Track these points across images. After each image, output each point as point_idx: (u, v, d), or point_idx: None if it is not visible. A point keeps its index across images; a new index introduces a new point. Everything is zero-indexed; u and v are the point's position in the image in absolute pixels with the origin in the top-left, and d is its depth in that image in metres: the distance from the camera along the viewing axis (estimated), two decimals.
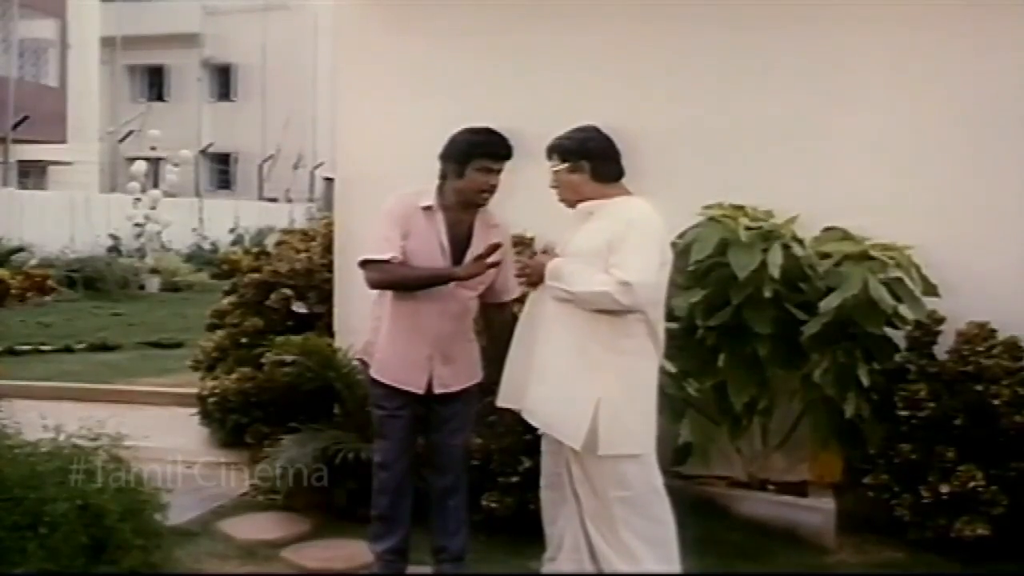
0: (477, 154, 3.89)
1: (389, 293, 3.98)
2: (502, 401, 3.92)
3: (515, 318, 4.01)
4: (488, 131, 3.94)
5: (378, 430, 4.11)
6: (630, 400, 3.66)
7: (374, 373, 4.03)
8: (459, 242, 3.94)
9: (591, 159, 3.78)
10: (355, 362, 4.74)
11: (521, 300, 4.03)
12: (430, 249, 3.91)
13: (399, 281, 3.92)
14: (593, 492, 3.69)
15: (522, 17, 5.70)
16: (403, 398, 3.98)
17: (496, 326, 4.12)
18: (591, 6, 5.64)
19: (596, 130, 3.84)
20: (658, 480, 3.73)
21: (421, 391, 3.96)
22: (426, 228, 3.92)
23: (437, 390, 3.97)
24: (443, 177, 3.97)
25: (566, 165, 3.80)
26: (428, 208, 3.94)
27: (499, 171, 3.92)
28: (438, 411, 4.03)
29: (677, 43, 5.52)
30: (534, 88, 5.62)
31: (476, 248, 3.92)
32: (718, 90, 5.45)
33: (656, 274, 3.64)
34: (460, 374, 4.02)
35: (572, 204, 3.85)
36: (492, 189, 3.92)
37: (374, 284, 3.95)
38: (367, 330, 4.11)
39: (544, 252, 3.90)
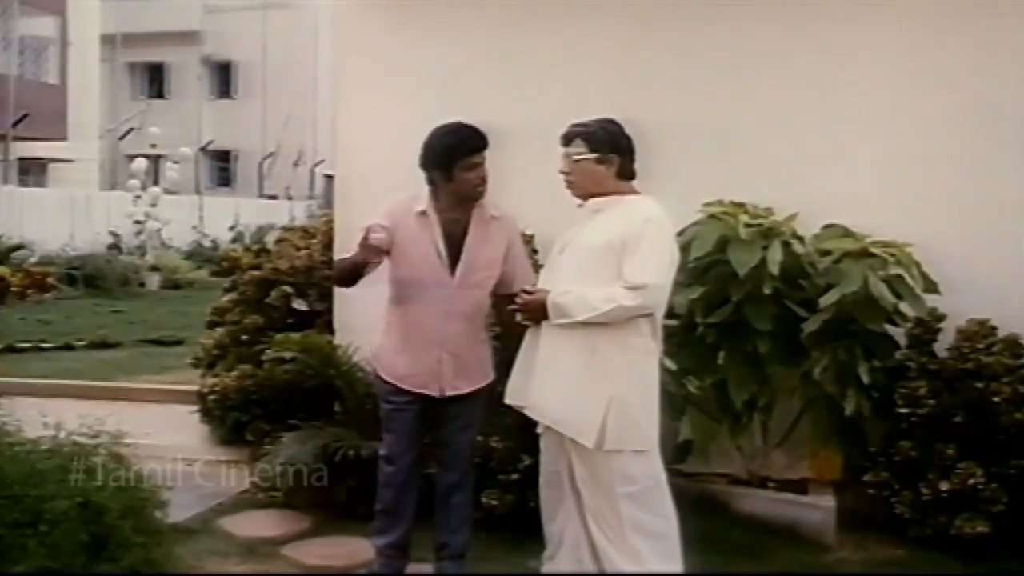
0: (459, 154, 3.89)
1: (394, 297, 4.00)
2: (510, 398, 3.91)
3: None
4: (458, 128, 3.94)
5: (385, 424, 4.12)
6: (639, 397, 3.67)
7: (384, 375, 4.05)
8: (456, 241, 3.94)
9: (621, 154, 3.76)
10: (355, 359, 4.74)
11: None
12: (425, 252, 3.93)
13: (337, 274, 4.17)
14: (598, 489, 3.69)
15: (522, 14, 5.69)
16: (412, 393, 3.99)
17: (507, 318, 4.07)
18: (591, 2, 5.64)
19: (621, 125, 3.81)
20: (662, 475, 3.75)
21: (435, 394, 3.97)
22: (419, 232, 3.93)
23: (448, 392, 3.97)
24: (432, 183, 3.97)
25: (594, 155, 3.74)
26: (423, 213, 3.95)
27: (484, 161, 3.92)
28: (447, 408, 4.04)
29: (678, 40, 5.51)
30: (534, 85, 5.62)
31: (472, 243, 3.93)
32: (718, 87, 5.44)
33: (667, 275, 3.65)
34: (471, 375, 4.01)
35: (583, 195, 3.82)
36: (484, 180, 3.93)
37: (333, 282, 4.17)
38: (379, 333, 4.12)
39: (528, 292, 3.82)
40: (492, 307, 4.10)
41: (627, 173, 3.79)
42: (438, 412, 4.05)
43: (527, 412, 3.86)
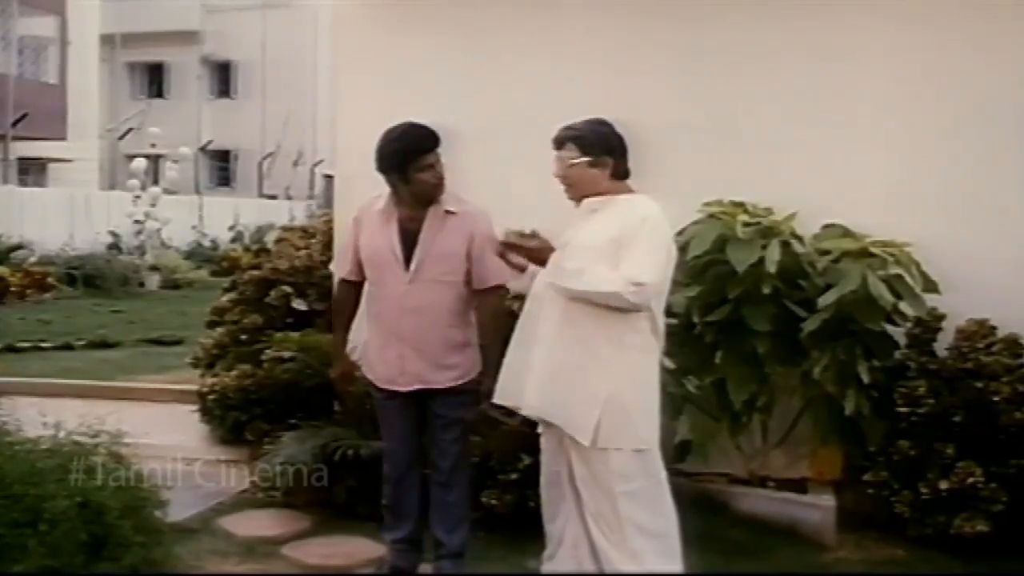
0: (411, 158, 3.93)
1: (366, 293, 4.14)
2: (499, 398, 3.89)
3: (510, 311, 4.02)
4: (407, 131, 3.98)
5: (378, 420, 4.24)
6: (637, 396, 3.67)
7: (364, 371, 4.16)
8: (412, 238, 3.98)
9: (614, 156, 3.74)
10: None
11: (519, 297, 4.02)
12: (382, 250, 4.01)
13: (334, 312, 4.40)
14: (597, 488, 3.68)
15: (521, 14, 5.70)
16: (388, 389, 4.08)
17: (483, 314, 4.06)
18: (590, 3, 5.64)
19: (611, 125, 3.79)
20: (662, 473, 3.73)
21: (403, 389, 4.02)
22: (380, 230, 4.03)
23: (416, 386, 3.99)
24: (391, 185, 4.02)
25: (587, 159, 3.73)
26: (382, 211, 4.03)
27: (438, 159, 3.96)
28: (431, 406, 4.06)
29: (677, 38, 5.51)
30: (533, 84, 5.62)
31: (425, 239, 3.97)
32: (717, 86, 5.44)
33: (664, 272, 3.65)
34: (443, 370, 4.00)
35: (578, 198, 3.80)
36: (440, 179, 3.97)
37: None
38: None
39: (530, 235, 3.81)
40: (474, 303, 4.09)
41: (621, 173, 3.78)
42: (424, 410, 4.07)
43: (524, 412, 3.85)
